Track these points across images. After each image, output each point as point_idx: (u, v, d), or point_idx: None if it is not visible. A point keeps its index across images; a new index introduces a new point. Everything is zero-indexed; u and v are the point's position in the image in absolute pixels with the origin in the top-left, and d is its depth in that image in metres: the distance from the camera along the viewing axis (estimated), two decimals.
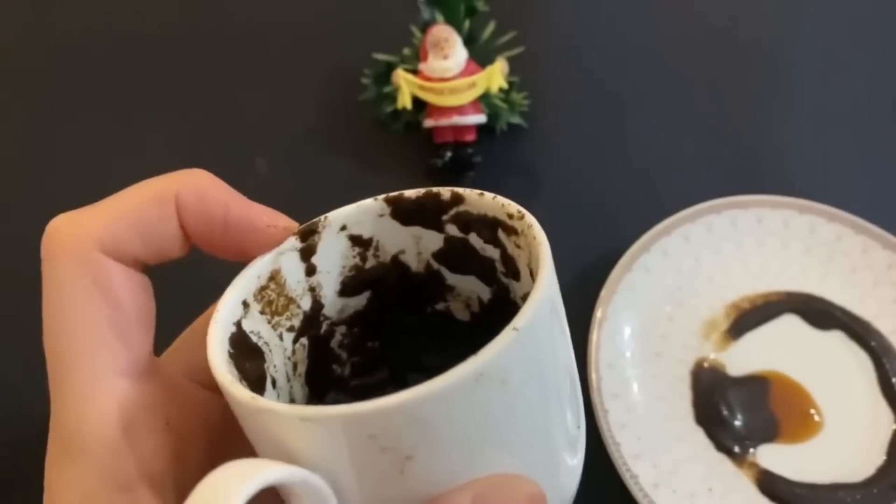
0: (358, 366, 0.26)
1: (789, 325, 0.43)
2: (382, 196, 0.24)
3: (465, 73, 0.48)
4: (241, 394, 0.17)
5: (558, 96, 0.56)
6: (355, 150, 0.54)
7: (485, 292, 0.25)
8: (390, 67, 0.51)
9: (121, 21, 0.66)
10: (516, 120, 0.53)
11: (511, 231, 0.22)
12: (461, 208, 0.23)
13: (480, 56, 0.50)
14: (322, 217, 0.23)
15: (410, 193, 0.24)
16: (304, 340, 0.24)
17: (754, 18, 0.62)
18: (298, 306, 0.23)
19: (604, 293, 0.42)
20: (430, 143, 0.51)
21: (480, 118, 0.50)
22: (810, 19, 0.62)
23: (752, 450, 0.38)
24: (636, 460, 0.37)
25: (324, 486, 0.17)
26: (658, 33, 0.61)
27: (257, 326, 0.21)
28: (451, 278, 0.25)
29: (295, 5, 0.65)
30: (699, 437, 0.39)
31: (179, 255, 0.21)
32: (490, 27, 0.53)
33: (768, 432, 0.39)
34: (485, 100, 0.50)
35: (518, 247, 0.22)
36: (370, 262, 0.24)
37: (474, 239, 0.24)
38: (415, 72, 0.50)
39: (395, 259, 0.25)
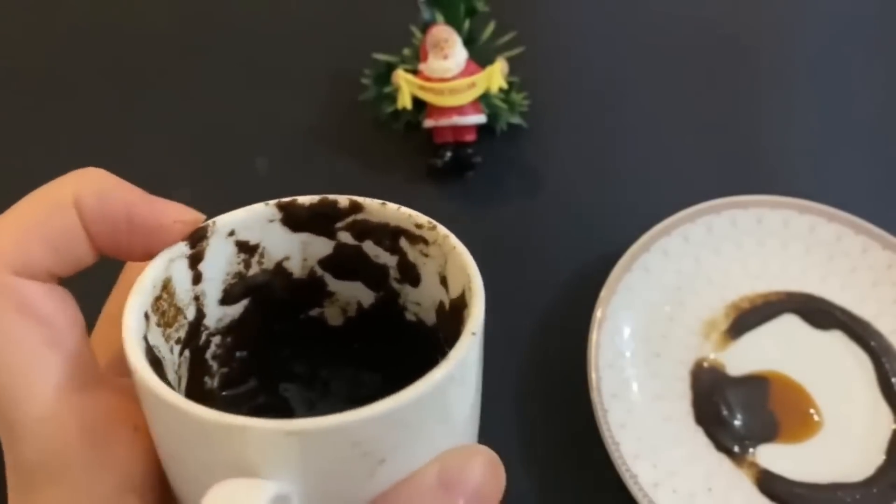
0: (226, 377, 0.25)
1: (789, 325, 0.43)
2: (275, 201, 0.23)
3: (465, 73, 0.48)
4: (206, 413, 0.17)
5: (558, 96, 0.56)
6: (355, 150, 0.54)
7: (368, 297, 0.25)
8: (390, 68, 0.51)
9: (120, 21, 0.66)
10: (516, 120, 0.53)
11: (418, 240, 0.23)
12: (359, 217, 0.23)
13: (480, 56, 0.50)
14: (211, 221, 0.22)
15: (304, 200, 0.23)
16: (186, 353, 0.23)
17: (754, 18, 0.62)
18: (185, 317, 0.22)
19: (604, 293, 0.42)
20: (430, 143, 0.51)
21: (480, 118, 0.50)
22: (811, 19, 0.62)
23: (751, 449, 0.38)
24: (636, 460, 0.37)
25: (295, 497, 0.17)
26: (658, 33, 0.61)
27: (156, 340, 0.21)
28: (334, 284, 0.25)
29: (295, 5, 0.65)
30: (699, 436, 0.39)
31: (92, 261, 0.20)
32: (490, 27, 0.53)
33: (768, 432, 0.39)
34: (485, 100, 0.50)
35: (425, 255, 0.23)
36: (253, 269, 0.24)
37: (369, 247, 0.24)
38: (415, 72, 0.50)
39: (279, 266, 0.24)
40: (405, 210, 0.23)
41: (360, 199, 0.23)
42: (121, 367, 0.21)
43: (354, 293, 0.25)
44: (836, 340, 0.42)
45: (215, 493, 0.16)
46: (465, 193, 0.51)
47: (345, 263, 0.24)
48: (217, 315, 0.23)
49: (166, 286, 0.21)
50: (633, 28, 0.62)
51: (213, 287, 0.23)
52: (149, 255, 0.21)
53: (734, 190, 0.46)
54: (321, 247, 0.24)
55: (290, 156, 0.54)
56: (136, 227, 0.20)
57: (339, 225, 0.24)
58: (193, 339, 0.23)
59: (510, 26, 0.54)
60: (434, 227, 0.22)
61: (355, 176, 0.52)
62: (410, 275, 0.24)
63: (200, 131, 0.56)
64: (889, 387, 0.40)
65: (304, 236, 0.24)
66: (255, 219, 0.23)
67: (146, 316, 0.20)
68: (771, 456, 0.38)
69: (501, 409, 0.41)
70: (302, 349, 0.26)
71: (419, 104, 0.50)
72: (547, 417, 0.41)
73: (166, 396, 0.17)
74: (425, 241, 0.23)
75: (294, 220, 0.23)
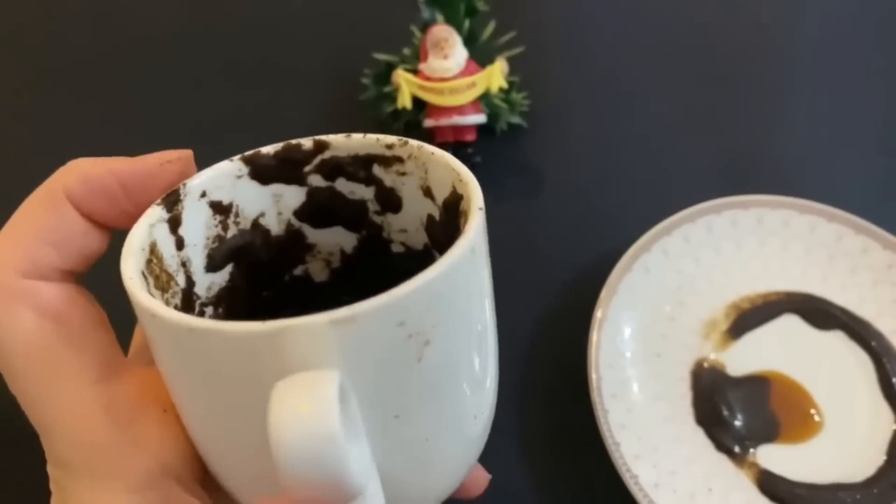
0: None
1: (789, 325, 0.43)
2: (239, 156, 0.23)
3: (465, 72, 0.48)
4: (243, 325, 0.16)
5: (558, 96, 0.56)
6: None
7: (349, 241, 0.25)
8: (390, 67, 0.51)
9: (120, 21, 0.66)
10: (516, 120, 0.53)
11: (390, 162, 0.23)
12: (326, 155, 0.23)
13: (480, 56, 0.50)
14: (181, 184, 0.22)
15: (269, 149, 0.23)
16: None
17: (755, 18, 0.62)
18: (176, 283, 0.22)
19: (604, 293, 0.42)
20: (430, 143, 0.51)
21: (480, 118, 0.50)
22: (811, 19, 0.62)
23: (752, 450, 0.38)
24: (636, 460, 0.37)
25: (350, 390, 0.17)
26: (658, 33, 0.61)
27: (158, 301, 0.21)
28: (313, 235, 0.25)
29: (295, 5, 0.65)
30: (699, 437, 0.39)
31: (101, 248, 0.21)
32: (490, 27, 0.53)
33: (768, 432, 0.39)
34: (485, 100, 0.50)
35: (402, 174, 0.23)
36: (231, 231, 0.23)
37: (342, 184, 0.23)
38: (415, 72, 0.50)
39: (255, 224, 0.24)
40: (371, 135, 0.23)
41: (324, 137, 0.23)
42: (144, 355, 0.21)
43: (335, 240, 0.25)
44: (836, 340, 0.42)
45: (282, 392, 0.15)
46: None
47: (320, 209, 0.24)
48: (205, 284, 0.23)
49: (153, 250, 0.21)
50: (633, 28, 0.62)
51: (196, 253, 0.22)
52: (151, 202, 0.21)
53: (734, 190, 0.46)
54: (294, 196, 0.24)
55: None
56: (130, 188, 0.20)
57: (307, 169, 0.23)
58: (189, 309, 0.22)
59: (510, 26, 0.54)
60: (406, 143, 0.22)
61: None
62: (391, 201, 0.23)
63: (200, 131, 0.56)
64: (890, 387, 0.40)
65: (275, 187, 0.23)
66: (222, 176, 0.23)
67: (143, 275, 0.19)
68: (771, 456, 0.38)
69: (501, 409, 0.41)
70: (293, 313, 0.25)
71: (419, 104, 0.49)
72: (547, 418, 0.41)
73: (200, 324, 0.16)
74: (399, 160, 0.23)
75: (261, 171, 0.23)
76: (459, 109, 0.49)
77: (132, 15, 0.66)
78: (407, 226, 0.24)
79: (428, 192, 0.23)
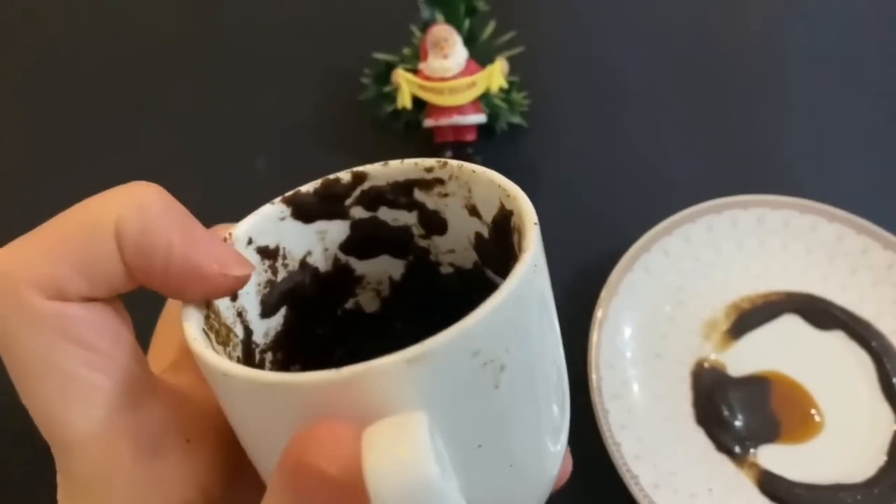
0: None
1: (790, 325, 0.43)
2: (279, 198, 0.23)
3: (465, 72, 0.48)
4: (321, 376, 0.16)
5: (558, 96, 0.56)
6: (355, 149, 0.53)
7: (397, 268, 0.25)
8: (390, 67, 0.51)
9: (120, 21, 0.65)
10: (516, 120, 0.53)
11: (431, 184, 0.22)
12: (365, 186, 0.23)
13: (480, 55, 0.50)
14: (227, 234, 0.21)
15: (307, 187, 0.23)
16: None
17: (755, 18, 0.62)
18: (235, 335, 0.21)
19: (604, 293, 0.42)
20: (430, 143, 0.51)
21: (480, 118, 0.50)
22: (812, 19, 0.62)
23: (752, 450, 0.38)
24: (636, 461, 0.37)
25: (434, 426, 0.16)
26: (659, 33, 0.61)
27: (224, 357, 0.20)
28: (360, 267, 0.25)
29: (295, 5, 0.65)
30: (700, 437, 0.39)
31: (130, 288, 0.19)
32: (490, 27, 0.53)
33: (769, 433, 0.39)
34: (485, 99, 0.50)
35: (444, 195, 0.22)
36: (281, 274, 0.23)
37: (384, 213, 0.23)
38: (415, 71, 0.49)
39: (303, 263, 0.24)
40: (409, 160, 0.22)
41: (361, 168, 0.23)
42: (182, 365, 0.21)
43: (383, 268, 0.25)
44: (837, 341, 0.42)
45: (373, 439, 0.15)
46: None
47: (365, 240, 0.24)
48: (262, 330, 0.23)
49: (210, 305, 0.20)
50: (633, 28, 0.62)
51: (250, 301, 0.22)
52: (188, 300, 0.19)
53: (735, 190, 0.46)
54: (338, 231, 0.24)
55: (289, 155, 0.54)
56: (174, 272, 0.18)
57: (348, 202, 0.23)
58: (250, 360, 0.22)
59: (510, 26, 0.54)
60: (445, 164, 0.22)
61: None
62: (435, 224, 0.23)
63: (200, 131, 0.56)
64: (890, 387, 0.40)
65: (319, 224, 0.23)
66: (266, 220, 0.22)
67: (205, 333, 0.19)
68: (772, 456, 0.38)
69: None
70: (350, 347, 0.25)
71: (419, 104, 0.49)
72: None
73: (274, 379, 0.16)
74: (440, 182, 0.22)
75: (303, 210, 0.23)
76: (459, 109, 0.49)
77: (132, 15, 0.66)
78: (454, 246, 0.24)
79: (474, 211, 0.22)
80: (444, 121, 0.49)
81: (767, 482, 0.37)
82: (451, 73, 0.48)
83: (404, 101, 0.49)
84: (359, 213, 0.23)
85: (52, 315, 0.17)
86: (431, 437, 0.16)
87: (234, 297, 0.21)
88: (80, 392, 0.18)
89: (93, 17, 0.66)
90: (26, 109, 0.59)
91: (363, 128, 0.54)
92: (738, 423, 0.39)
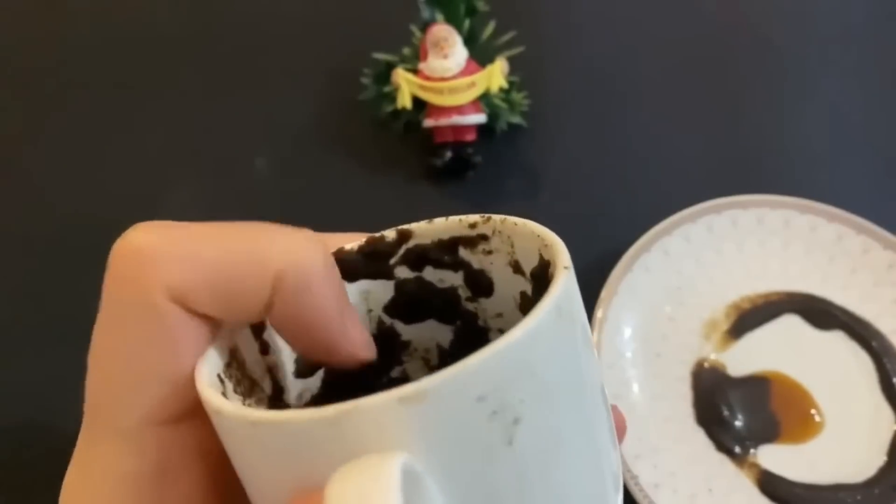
0: None
1: (790, 325, 0.43)
2: None
3: (465, 72, 0.48)
4: (307, 413, 0.15)
5: (558, 96, 0.56)
6: (355, 150, 0.53)
7: (445, 335, 0.24)
8: (390, 67, 0.51)
9: (120, 21, 0.65)
10: (516, 120, 0.53)
11: (476, 242, 0.22)
12: (410, 244, 0.22)
13: (480, 55, 0.50)
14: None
15: (352, 245, 0.22)
16: None
17: (755, 18, 0.62)
18: (262, 389, 0.20)
19: (604, 293, 0.42)
20: (430, 143, 0.51)
21: (480, 118, 0.50)
22: (812, 19, 0.62)
23: (752, 450, 0.38)
24: (636, 461, 0.37)
25: (429, 478, 0.15)
26: (659, 32, 0.61)
27: (238, 405, 0.19)
28: (406, 332, 0.24)
29: (295, 5, 0.65)
30: (700, 437, 0.39)
31: (256, 323, 0.19)
32: (490, 27, 0.53)
33: (769, 433, 0.39)
34: (485, 99, 0.50)
35: (489, 253, 0.22)
36: None
37: (429, 273, 0.23)
38: (415, 71, 0.49)
39: None
40: (454, 217, 0.21)
41: (405, 226, 0.22)
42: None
43: (431, 335, 0.24)
44: (837, 341, 0.42)
45: (338, 479, 0.14)
46: (465, 193, 0.51)
47: (410, 302, 0.23)
48: (296, 390, 0.22)
49: (234, 354, 0.19)
50: (633, 28, 0.62)
51: (283, 359, 0.21)
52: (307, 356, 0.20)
53: (735, 189, 0.46)
54: (382, 291, 0.23)
55: (289, 156, 0.54)
56: (310, 337, 0.19)
57: (392, 261, 0.22)
58: None
59: (510, 26, 0.54)
60: (489, 219, 0.21)
61: (355, 176, 0.52)
62: (481, 284, 0.22)
63: (200, 131, 0.56)
64: (890, 387, 0.40)
65: (363, 284, 0.22)
66: None
67: (220, 378, 0.18)
68: (772, 456, 0.38)
69: None
70: None
71: (419, 104, 0.49)
72: None
73: (256, 417, 0.16)
74: (485, 238, 0.21)
75: (347, 269, 0.22)
76: (459, 109, 0.49)
77: (132, 15, 0.66)
78: (502, 309, 0.23)
79: (517, 268, 0.21)
80: (444, 121, 0.49)
81: (767, 482, 0.37)
82: (451, 73, 0.48)
83: (404, 101, 0.49)
84: (403, 272, 0.22)
85: (168, 323, 0.17)
86: (416, 485, 0.14)
87: (264, 352, 0.21)
88: (145, 396, 0.18)
89: (92, 17, 0.66)
90: (26, 110, 0.59)
91: (363, 128, 0.54)
92: (738, 423, 0.39)
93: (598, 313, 0.41)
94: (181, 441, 0.19)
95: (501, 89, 0.49)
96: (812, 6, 0.63)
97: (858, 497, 0.36)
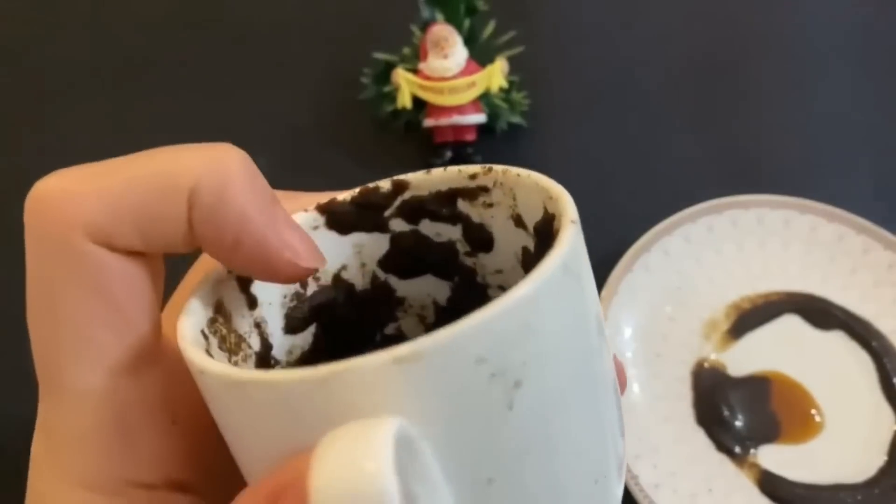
0: None
1: (790, 325, 0.43)
2: (313, 205, 0.21)
3: (465, 72, 0.48)
4: (296, 374, 0.14)
5: (558, 96, 0.56)
6: (355, 149, 0.53)
7: (442, 291, 0.23)
8: (390, 67, 0.51)
9: (119, 20, 0.65)
10: (516, 119, 0.53)
11: (475, 194, 0.20)
12: (406, 195, 0.21)
13: (480, 55, 0.50)
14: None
15: (345, 195, 0.21)
16: None
17: (755, 18, 0.62)
18: (249, 346, 0.20)
19: (604, 293, 0.42)
20: (429, 142, 0.51)
21: (480, 118, 0.50)
22: (812, 19, 0.62)
23: (752, 450, 0.38)
24: (637, 461, 0.37)
25: (427, 443, 0.14)
26: (659, 32, 0.61)
27: (223, 362, 0.18)
28: (402, 287, 0.23)
29: (294, 4, 0.65)
30: (700, 437, 0.39)
31: (185, 252, 0.18)
32: (490, 26, 0.53)
33: (769, 433, 0.39)
34: (485, 99, 0.50)
35: (489, 206, 0.20)
36: (311, 288, 0.21)
37: (426, 227, 0.21)
38: (415, 71, 0.49)
39: (337, 279, 0.22)
40: (452, 168, 0.20)
41: (402, 177, 0.21)
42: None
43: (427, 290, 0.23)
44: (837, 341, 0.42)
45: (326, 446, 0.13)
46: None
47: (406, 257, 0.22)
48: (285, 346, 0.21)
49: (219, 309, 0.19)
50: (633, 27, 0.62)
51: (272, 313, 0.20)
52: (250, 276, 0.18)
53: (735, 189, 0.46)
54: (376, 245, 0.22)
55: (289, 155, 0.54)
56: (243, 251, 0.17)
57: (387, 213, 0.21)
58: None
59: (510, 25, 0.54)
60: (490, 170, 0.20)
61: (355, 176, 0.52)
62: (481, 239, 0.21)
63: (200, 131, 0.56)
64: (890, 387, 0.40)
65: (356, 237, 0.22)
66: None
67: (204, 334, 0.18)
68: (772, 457, 0.38)
69: None
70: None
71: (419, 103, 0.49)
72: None
73: (242, 376, 0.15)
74: (485, 190, 0.20)
75: (339, 220, 0.21)
76: (459, 109, 0.49)
77: (131, 14, 0.66)
78: (502, 265, 0.22)
79: (519, 222, 0.20)
80: (444, 121, 0.49)
81: (768, 482, 0.37)
82: (451, 73, 0.48)
83: (404, 100, 0.49)
84: (399, 225, 0.21)
85: (93, 265, 0.16)
86: (410, 451, 0.14)
87: (252, 306, 0.20)
88: (88, 348, 0.17)
89: (92, 16, 0.66)
90: (25, 110, 0.59)
91: (363, 128, 0.54)
92: (738, 423, 0.39)
93: None
94: (142, 392, 0.18)
95: (501, 89, 0.49)
96: (812, 6, 0.63)
97: (859, 497, 0.36)
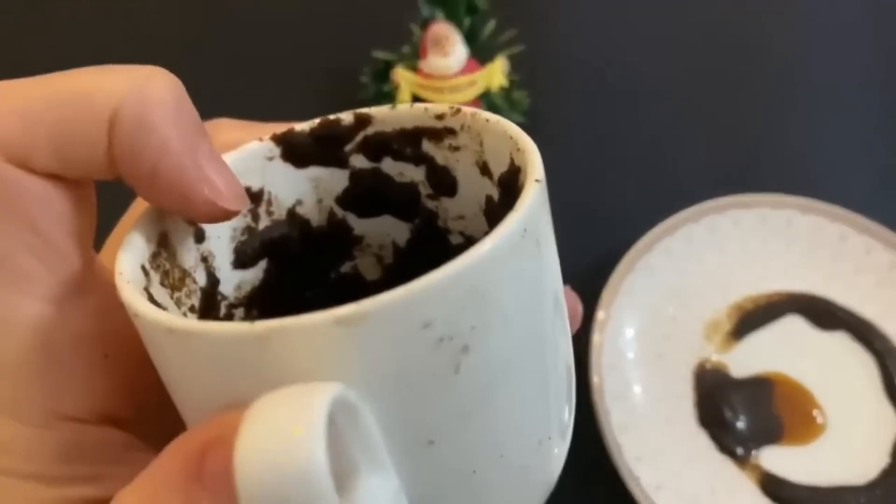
0: None
1: (792, 325, 0.42)
2: (270, 134, 0.20)
3: (465, 71, 0.48)
4: (231, 327, 0.13)
5: (559, 95, 0.56)
6: None
7: (402, 233, 0.22)
8: (389, 65, 0.51)
9: (119, 20, 0.65)
10: (517, 118, 0.52)
11: (441, 135, 0.20)
12: (369, 131, 0.20)
13: (481, 54, 0.50)
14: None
15: (303, 126, 0.20)
16: None
17: (756, 17, 0.61)
18: (194, 281, 0.19)
19: (606, 294, 0.41)
20: None
21: None
22: (813, 18, 0.61)
23: (754, 452, 0.38)
24: (638, 462, 0.37)
25: (367, 407, 0.14)
26: (660, 31, 0.61)
27: (163, 299, 0.17)
28: (360, 226, 0.22)
29: (293, 4, 0.65)
30: (702, 438, 0.39)
31: (106, 178, 0.17)
32: (490, 25, 0.53)
33: (771, 434, 0.39)
34: (485, 98, 0.50)
35: (455, 149, 0.20)
36: (263, 222, 0.20)
37: (388, 165, 0.20)
38: (414, 70, 0.49)
39: (292, 213, 0.21)
40: (419, 105, 0.20)
41: (366, 110, 0.20)
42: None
43: (385, 230, 0.22)
44: (840, 342, 0.42)
45: (260, 406, 0.13)
46: None
47: (366, 195, 0.21)
48: (234, 282, 0.20)
49: (163, 242, 0.18)
50: (634, 27, 0.61)
51: (221, 247, 0.19)
52: (169, 210, 0.17)
53: (737, 189, 0.46)
54: (334, 180, 0.21)
55: None
56: (160, 182, 0.16)
57: (348, 147, 0.20)
58: (211, 311, 0.19)
59: (511, 24, 0.53)
60: (458, 110, 0.19)
61: None
62: (444, 183, 0.20)
63: None
64: (893, 388, 0.40)
65: (313, 171, 0.20)
66: (251, 158, 0.19)
67: (144, 270, 0.17)
68: (774, 458, 0.38)
69: None
70: None
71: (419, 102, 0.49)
72: None
73: (177, 325, 0.14)
74: (452, 132, 0.19)
75: (296, 152, 0.20)
76: None
77: (131, 13, 0.65)
78: (464, 211, 0.21)
79: (485, 169, 0.19)
80: None
81: (770, 484, 0.37)
82: (451, 72, 0.48)
83: (404, 99, 0.48)
84: (360, 162, 0.21)
85: (10, 185, 0.15)
86: (349, 417, 0.13)
87: (199, 239, 0.19)
88: (9, 274, 0.16)
89: (91, 16, 0.66)
90: None
91: None
92: (740, 425, 0.39)
93: (600, 314, 0.41)
94: (68, 322, 0.17)
95: (502, 88, 0.49)
96: (813, 6, 0.62)
97: (861, 499, 0.36)
